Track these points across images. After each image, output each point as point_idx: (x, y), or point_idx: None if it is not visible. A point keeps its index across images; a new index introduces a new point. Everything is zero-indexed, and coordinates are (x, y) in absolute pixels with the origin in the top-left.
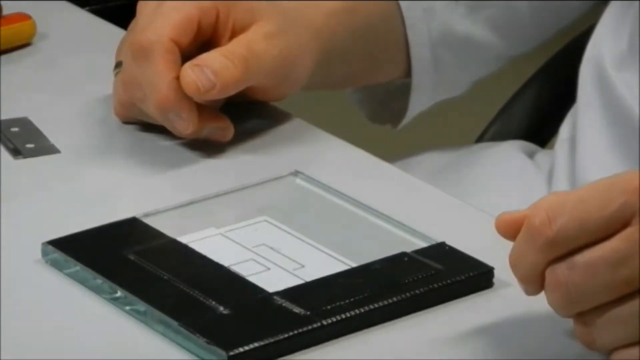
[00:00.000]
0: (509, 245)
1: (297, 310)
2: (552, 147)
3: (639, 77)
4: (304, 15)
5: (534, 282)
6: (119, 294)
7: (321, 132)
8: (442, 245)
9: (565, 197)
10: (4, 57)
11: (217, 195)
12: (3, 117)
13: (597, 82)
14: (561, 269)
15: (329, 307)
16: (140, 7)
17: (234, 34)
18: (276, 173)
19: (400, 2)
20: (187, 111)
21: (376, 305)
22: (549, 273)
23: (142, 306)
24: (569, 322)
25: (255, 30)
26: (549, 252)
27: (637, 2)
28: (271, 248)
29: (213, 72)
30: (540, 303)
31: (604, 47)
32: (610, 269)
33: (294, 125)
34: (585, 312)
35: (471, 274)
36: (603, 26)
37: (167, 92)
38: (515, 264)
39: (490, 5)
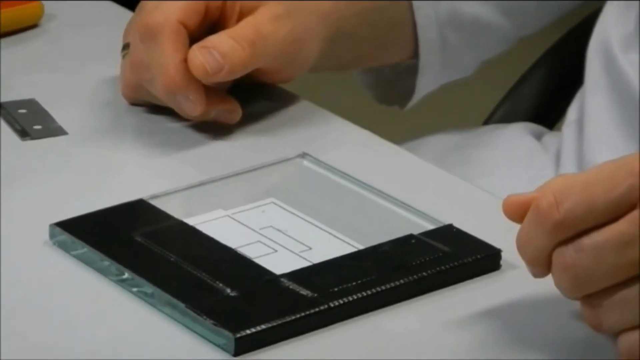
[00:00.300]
0: (516, 227)
1: (304, 292)
2: (559, 129)
3: None
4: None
5: (541, 265)
6: (126, 275)
7: (329, 114)
8: (449, 228)
9: (573, 180)
10: (11, 38)
11: (224, 177)
12: (10, 99)
13: (604, 64)
14: (568, 251)
15: (336, 289)
16: None
17: (241, 16)
18: (284, 155)
19: None
20: (195, 93)
21: (383, 288)
22: (556, 255)
23: (149, 288)
24: (576, 305)
25: (262, 12)
26: (556, 234)
27: None
28: (278, 230)
29: (221, 54)
30: (547, 285)
31: (611, 28)
32: (617, 252)
33: (302, 107)
34: (592, 295)
35: (478, 256)
36: (610, 8)
37: (174, 74)
38: (522, 247)
39: None
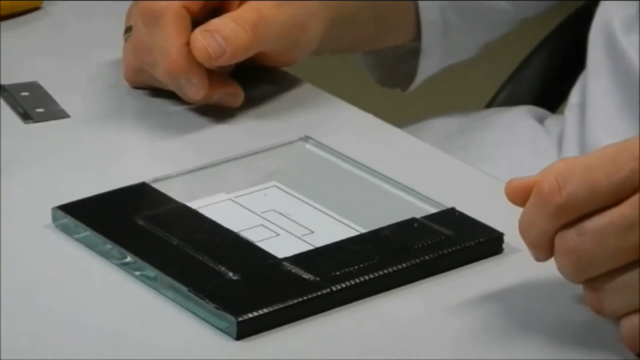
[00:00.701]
0: (518, 211)
1: (306, 276)
2: (562, 113)
3: None
4: None
5: (544, 248)
6: (128, 259)
7: (331, 97)
8: (451, 211)
9: (575, 163)
10: (13, 20)
11: (226, 161)
12: (13, 82)
13: (606, 47)
14: (571, 235)
15: (338, 273)
16: None
17: (243, 0)
18: (286, 138)
19: None
20: (197, 77)
21: (386, 272)
22: (558, 239)
23: (151, 271)
24: (579, 288)
25: None
26: (559, 218)
27: None
28: (280, 214)
29: (223, 37)
30: (550, 269)
31: (613, 11)
32: (620, 235)
33: (304, 90)
34: (594, 278)
35: (481, 239)
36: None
37: (177, 57)
38: (524, 230)
39: None
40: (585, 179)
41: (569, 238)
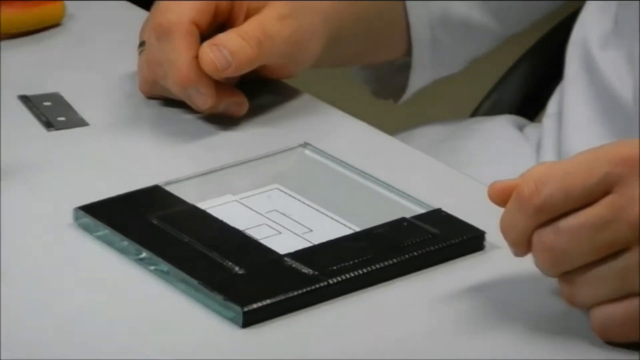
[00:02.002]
0: (499, 211)
1: (305, 270)
2: (540, 121)
3: (623, 56)
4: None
5: (523, 246)
6: (143, 255)
7: (328, 107)
8: (438, 211)
9: (552, 168)
10: (36, 36)
11: (233, 165)
12: (36, 93)
13: (582, 61)
14: (547, 233)
15: (335, 267)
16: None
17: (248, 15)
18: (287, 145)
19: None
20: (206, 87)
21: (378, 266)
22: (536, 237)
23: (165, 266)
24: (554, 282)
25: (268, 12)
26: (536, 218)
27: None
28: (282, 213)
29: (229, 51)
30: (527, 264)
31: (589, 28)
32: (592, 233)
33: (304, 100)
34: (568, 273)
35: (464, 237)
36: (589, 8)
37: (187, 70)
38: (505, 229)
39: None
40: (561, 183)
41: (545, 236)
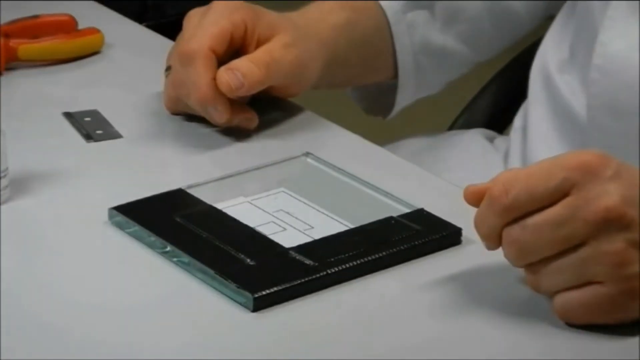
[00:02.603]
0: (473, 210)
1: (307, 262)
2: (508, 134)
3: (577, 79)
4: (313, 29)
5: (493, 240)
6: (168, 248)
7: (327, 121)
8: (421, 211)
9: (518, 173)
10: (79, 62)
11: (245, 171)
12: (78, 109)
13: (543, 83)
14: (515, 229)
15: (332, 259)
16: (186, 22)
17: (259, 44)
18: (291, 154)
19: (389, 18)
20: (222, 105)
21: (370, 258)
22: (505, 232)
23: (185, 258)
24: (521, 272)
25: (275, 41)
26: (505, 216)
27: (575, 18)
28: (287, 213)
29: (242, 74)
30: (498, 257)
31: (549, 54)
32: (553, 229)
33: (306, 116)
34: (533, 263)
35: (444, 233)
36: (549, 38)
37: (206, 89)
38: (478, 226)
39: (461, 22)
40: (526, 185)
41: (513, 232)
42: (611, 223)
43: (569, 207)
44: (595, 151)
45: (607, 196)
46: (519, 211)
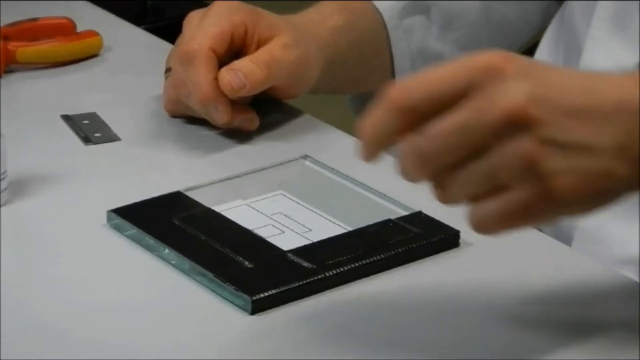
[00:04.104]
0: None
1: (305, 264)
2: None
3: None
4: (312, 30)
5: (379, 145)
6: (166, 251)
7: (325, 124)
8: (419, 214)
9: (420, 75)
10: (77, 64)
11: (243, 174)
12: (76, 112)
13: None
14: (415, 139)
15: (330, 262)
16: (186, 23)
17: (259, 45)
18: (290, 157)
19: (387, 23)
20: (223, 105)
21: (368, 261)
22: (404, 143)
23: (184, 261)
24: (514, 270)
25: (275, 41)
26: (402, 119)
27: (563, 38)
28: (286, 215)
29: (244, 74)
30: (496, 260)
31: (545, 59)
32: (457, 134)
33: (304, 119)
34: (440, 176)
35: (442, 236)
36: (543, 47)
37: (207, 90)
38: (369, 129)
39: (457, 29)
40: (427, 87)
41: (413, 141)
42: (517, 123)
43: (472, 110)
44: (500, 52)
45: (512, 95)
46: (418, 115)
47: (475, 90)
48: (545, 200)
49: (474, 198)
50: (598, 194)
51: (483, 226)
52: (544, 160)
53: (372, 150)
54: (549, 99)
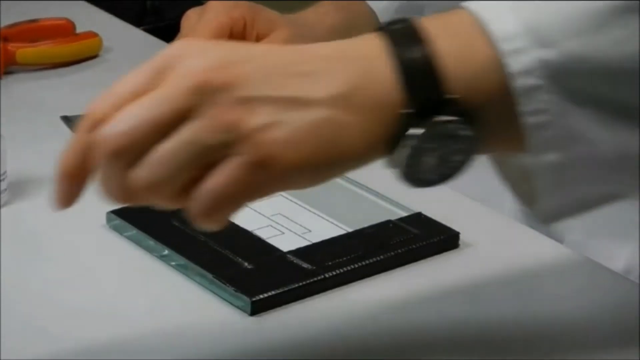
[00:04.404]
0: (471, 214)
1: (305, 265)
2: None
3: None
4: (310, 30)
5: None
6: (166, 252)
7: None
8: (418, 215)
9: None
10: (77, 66)
11: None
12: (76, 113)
13: None
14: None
15: (330, 263)
16: (184, 22)
17: (258, 39)
18: None
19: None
20: None
21: (367, 262)
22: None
23: (183, 262)
24: (514, 271)
25: (274, 36)
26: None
27: None
28: (285, 216)
29: None
30: (496, 261)
31: None
32: (150, 129)
33: None
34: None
35: (442, 237)
36: None
37: None
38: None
39: None
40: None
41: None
42: (202, 92)
43: (156, 99)
44: (187, 40)
45: (185, 69)
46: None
47: (160, 80)
48: (260, 164)
49: (191, 187)
50: (322, 147)
51: (211, 214)
52: (246, 119)
53: (74, 194)
54: (236, 61)
